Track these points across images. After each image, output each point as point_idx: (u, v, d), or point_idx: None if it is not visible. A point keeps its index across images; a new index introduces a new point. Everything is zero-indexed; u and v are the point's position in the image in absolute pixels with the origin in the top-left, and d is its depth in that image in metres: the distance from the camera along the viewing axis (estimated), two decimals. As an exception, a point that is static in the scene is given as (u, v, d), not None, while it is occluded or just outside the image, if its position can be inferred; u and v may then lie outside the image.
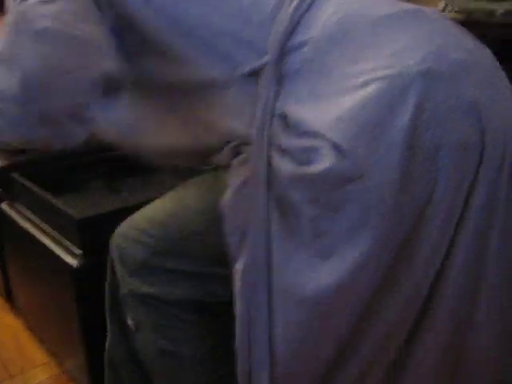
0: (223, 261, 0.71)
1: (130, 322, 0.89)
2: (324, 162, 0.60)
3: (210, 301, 0.84)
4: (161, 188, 1.05)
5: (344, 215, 0.61)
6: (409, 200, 0.61)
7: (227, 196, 0.69)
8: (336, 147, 0.60)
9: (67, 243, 1.15)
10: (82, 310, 1.11)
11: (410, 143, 0.59)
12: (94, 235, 1.11)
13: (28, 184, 1.31)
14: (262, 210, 0.66)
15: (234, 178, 0.69)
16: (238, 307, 0.69)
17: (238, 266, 0.69)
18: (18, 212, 1.35)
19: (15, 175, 1.37)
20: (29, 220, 1.30)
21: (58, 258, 1.13)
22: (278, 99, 0.66)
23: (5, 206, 1.40)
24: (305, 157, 0.62)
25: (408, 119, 0.59)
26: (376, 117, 0.60)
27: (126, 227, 0.90)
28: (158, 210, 0.88)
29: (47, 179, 1.41)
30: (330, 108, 0.62)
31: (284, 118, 0.65)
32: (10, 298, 1.56)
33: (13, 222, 1.34)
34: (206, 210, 0.80)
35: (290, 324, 0.67)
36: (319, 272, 0.63)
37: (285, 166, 0.64)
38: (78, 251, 1.12)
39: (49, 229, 1.22)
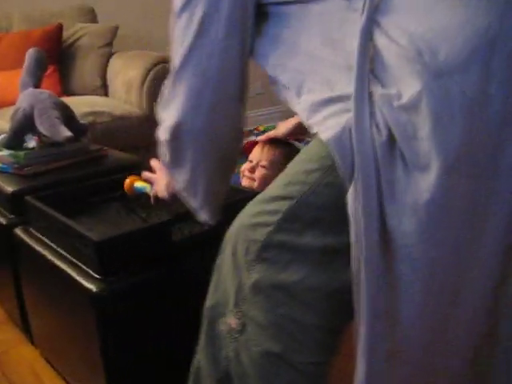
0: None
1: (235, 321, 0.81)
2: None
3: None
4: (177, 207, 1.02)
5: None
6: None
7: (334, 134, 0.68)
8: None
9: (86, 267, 1.10)
10: (103, 336, 1.06)
11: None
12: (113, 258, 1.07)
13: (42, 207, 1.27)
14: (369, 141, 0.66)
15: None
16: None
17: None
18: (33, 237, 1.30)
19: (29, 198, 1.33)
20: (44, 245, 1.25)
21: (76, 283, 1.09)
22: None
23: (19, 232, 1.36)
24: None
25: None
26: None
27: (237, 223, 0.84)
28: (267, 191, 0.83)
29: (61, 202, 1.37)
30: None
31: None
32: (26, 327, 1.50)
33: (28, 248, 1.29)
34: (315, 164, 0.77)
35: None
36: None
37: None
38: (98, 275, 1.07)
39: (66, 253, 1.17)
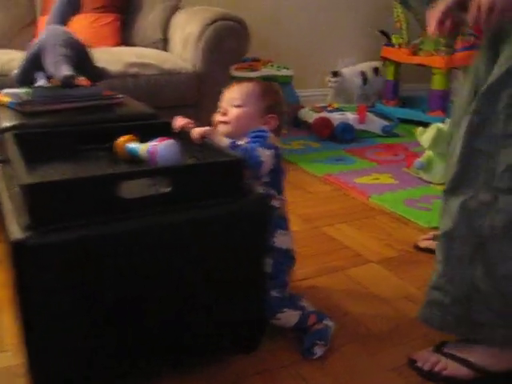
0: None
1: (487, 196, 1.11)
2: None
3: None
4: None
5: None
6: None
7: None
8: None
9: (17, 214, 0.98)
10: (22, 291, 0.94)
11: None
12: (42, 205, 0.93)
13: (9, 145, 1.17)
14: None
15: None
16: None
17: None
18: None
19: (6, 135, 1.24)
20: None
21: (6, 229, 0.97)
22: None
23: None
24: None
25: None
26: None
27: None
28: None
29: (44, 144, 1.28)
30: None
31: None
32: None
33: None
34: None
35: None
36: None
37: None
38: (27, 223, 0.94)
39: (8, 196, 1.06)
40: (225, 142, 1.21)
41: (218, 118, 1.35)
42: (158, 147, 1.14)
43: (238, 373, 1.21)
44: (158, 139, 1.16)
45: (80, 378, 1.05)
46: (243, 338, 1.25)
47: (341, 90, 3.63)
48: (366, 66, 3.76)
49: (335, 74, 3.56)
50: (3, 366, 1.22)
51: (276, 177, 1.30)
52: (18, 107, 1.49)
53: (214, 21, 2.41)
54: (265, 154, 1.20)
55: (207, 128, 1.24)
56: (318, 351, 1.27)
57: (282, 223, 1.34)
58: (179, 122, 1.38)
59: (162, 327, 1.11)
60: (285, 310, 1.30)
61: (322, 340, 1.28)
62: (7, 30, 2.57)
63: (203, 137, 1.23)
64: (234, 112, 1.32)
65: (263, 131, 1.27)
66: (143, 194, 1.02)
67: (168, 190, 1.03)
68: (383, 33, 3.70)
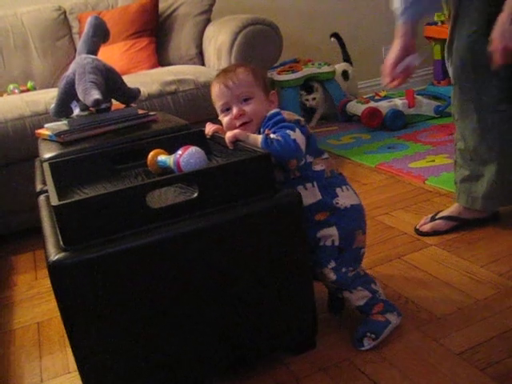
0: None
1: None
2: None
3: None
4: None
5: None
6: None
7: None
8: None
9: (54, 235, 1.01)
10: (63, 309, 0.96)
11: None
12: (73, 224, 0.95)
13: (46, 173, 1.21)
14: None
15: None
16: None
17: None
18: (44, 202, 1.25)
19: (44, 164, 1.29)
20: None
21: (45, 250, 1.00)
22: None
23: (41, 199, 1.32)
24: None
25: None
26: None
27: None
28: None
29: (82, 169, 1.32)
30: None
31: None
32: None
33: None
34: None
35: None
36: None
37: None
38: (61, 244, 0.97)
39: (48, 220, 1.10)
40: (257, 139, 1.17)
41: (236, 122, 1.24)
42: (182, 156, 1.14)
43: (298, 372, 1.19)
44: (182, 148, 1.17)
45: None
46: (298, 336, 1.22)
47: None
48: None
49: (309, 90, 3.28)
50: (67, 387, 1.25)
51: (309, 144, 1.21)
52: (58, 138, 1.54)
53: (244, 27, 2.41)
54: (297, 136, 1.15)
55: (236, 130, 1.21)
56: (366, 344, 1.22)
57: (337, 180, 1.25)
58: (210, 128, 1.38)
59: (213, 332, 1.10)
60: (359, 288, 1.24)
61: (373, 333, 1.22)
62: (49, 73, 2.70)
63: (236, 139, 1.20)
64: (250, 108, 1.23)
65: (277, 114, 1.20)
66: (173, 201, 1.03)
67: (195, 195, 1.03)
68: (336, 36, 3.39)
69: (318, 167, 1.22)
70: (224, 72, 1.27)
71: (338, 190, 1.24)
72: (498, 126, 1.54)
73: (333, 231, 1.21)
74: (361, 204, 1.28)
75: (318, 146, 1.25)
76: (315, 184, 1.21)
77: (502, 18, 1.26)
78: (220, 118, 1.29)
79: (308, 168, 1.21)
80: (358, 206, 1.27)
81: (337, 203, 1.22)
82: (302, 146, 1.17)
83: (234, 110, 1.24)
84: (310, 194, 1.21)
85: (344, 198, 1.23)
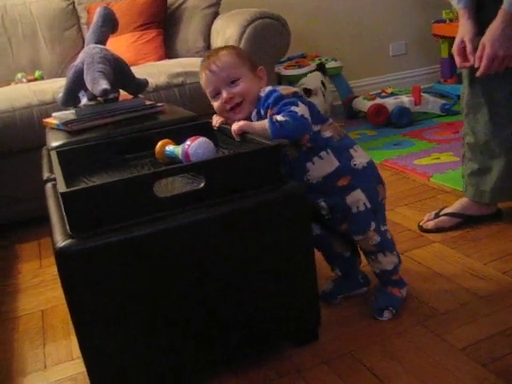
0: None
1: None
2: None
3: None
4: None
5: None
6: None
7: None
8: None
9: (61, 223, 1.02)
10: (69, 295, 0.97)
11: None
12: (80, 211, 0.96)
13: (54, 162, 1.22)
14: None
15: None
16: None
17: None
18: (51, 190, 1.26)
19: (51, 153, 1.29)
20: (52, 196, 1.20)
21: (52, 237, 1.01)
22: None
23: (47, 187, 1.32)
24: None
25: None
26: None
27: None
28: None
29: (89, 157, 1.32)
30: None
31: None
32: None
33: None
34: None
35: None
36: None
37: None
38: (69, 231, 0.97)
39: (55, 208, 1.10)
40: (263, 125, 1.15)
41: (226, 107, 1.24)
42: (190, 146, 1.15)
43: (301, 364, 1.19)
44: (190, 139, 1.17)
45: (136, 379, 1.07)
46: (300, 328, 1.23)
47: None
48: (312, 82, 3.03)
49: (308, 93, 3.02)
50: (71, 374, 1.26)
51: (312, 113, 1.19)
52: (64, 127, 1.55)
53: (252, 21, 2.41)
54: (303, 110, 1.14)
55: (242, 122, 1.20)
56: (386, 316, 1.29)
57: (347, 141, 1.26)
58: (217, 119, 1.38)
59: (215, 323, 1.10)
60: (394, 252, 1.31)
61: (394, 308, 1.30)
62: (57, 63, 2.70)
63: (242, 132, 1.20)
64: (239, 89, 1.21)
65: (273, 91, 1.19)
66: (180, 191, 1.03)
67: (202, 185, 1.04)
68: (320, 67, 3.14)
69: (326, 133, 1.23)
70: (207, 57, 1.26)
71: (351, 151, 1.25)
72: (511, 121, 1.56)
73: (359, 195, 1.23)
74: (371, 159, 1.29)
75: (320, 114, 1.25)
76: (329, 151, 1.22)
77: (494, 26, 1.30)
78: (212, 103, 1.29)
79: (317, 137, 1.21)
80: (371, 162, 1.29)
81: (354, 165, 1.24)
82: (310, 119, 1.16)
83: (224, 94, 1.23)
84: (327, 163, 1.22)
85: (359, 158, 1.25)
